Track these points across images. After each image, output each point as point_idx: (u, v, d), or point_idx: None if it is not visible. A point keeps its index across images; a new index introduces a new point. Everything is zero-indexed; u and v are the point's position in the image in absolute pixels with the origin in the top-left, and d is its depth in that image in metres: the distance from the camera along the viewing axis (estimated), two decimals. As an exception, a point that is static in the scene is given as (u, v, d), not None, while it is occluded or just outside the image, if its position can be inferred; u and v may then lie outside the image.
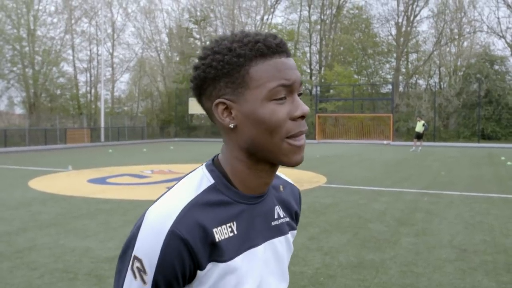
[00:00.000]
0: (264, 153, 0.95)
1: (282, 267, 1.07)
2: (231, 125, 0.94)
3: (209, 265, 0.92)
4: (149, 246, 0.87)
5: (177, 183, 0.98)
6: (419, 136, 24.71)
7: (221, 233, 0.93)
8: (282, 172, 1.19)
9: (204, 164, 1.01)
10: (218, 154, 1.03)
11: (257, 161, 0.97)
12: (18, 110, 40.46)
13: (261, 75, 0.92)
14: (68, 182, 12.40)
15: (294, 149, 0.94)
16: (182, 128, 41.51)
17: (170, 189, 0.97)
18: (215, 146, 28.55)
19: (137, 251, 0.88)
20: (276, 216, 1.06)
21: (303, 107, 0.94)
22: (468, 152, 24.54)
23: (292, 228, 1.13)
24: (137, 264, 0.88)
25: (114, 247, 5.97)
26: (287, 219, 1.10)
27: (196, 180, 0.97)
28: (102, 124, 34.54)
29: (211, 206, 0.94)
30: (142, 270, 0.88)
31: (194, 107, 39.19)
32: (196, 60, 0.97)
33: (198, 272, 0.91)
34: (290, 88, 0.93)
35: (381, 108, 39.79)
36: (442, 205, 8.94)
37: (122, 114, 42.43)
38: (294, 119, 0.93)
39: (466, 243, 6.22)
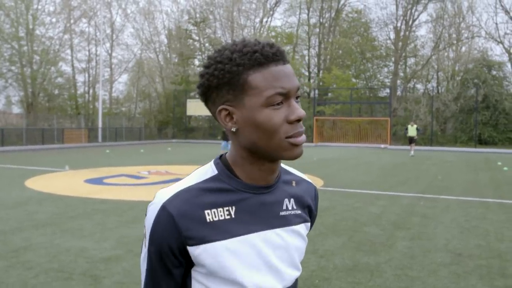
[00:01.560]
0: (265, 152, 1.04)
1: (292, 255, 1.14)
2: (233, 129, 1.04)
3: (206, 245, 1.02)
4: (149, 219, 1.05)
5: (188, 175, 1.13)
6: (412, 140, 24.46)
7: (214, 215, 1.04)
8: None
9: (213, 159, 1.14)
10: (226, 152, 1.14)
11: (258, 158, 1.07)
12: (16, 110, 40.44)
13: (258, 83, 1.00)
14: (65, 182, 12.39)
15: (294, 146, 1.03)
16: (179, 129, 41.50)
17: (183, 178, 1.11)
18: (212, 148, 28.54)
19: (145, 221, 1.08)
20: (284, 207, 1.13)
21: (298, 112, 1.02)
22: (465, 157, 24.59)
23: (305, 221, 1.19)
24: (144, 231, 1.08)
25: (110, 247, 5.98)
26: (299, 211, 1.17)
27: (202, 171, 1.10)
28: (100, 125, 34.52)
29: (208, 191, 1.06)
30: (145, 237, 1.07)
31: (192, 109, 39.23)
32: (201, 68, 1.06)
33: (189, 248, 1.03)
34: (286, 95, 1.02)
35: (378, 112, 39.87)
36: (438, 210, 8.96)
37: (120, 115, 42.41)
38: (290, 122, 1.02)
39: (461, 247, 6.24)
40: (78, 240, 6.34)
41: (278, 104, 1.00)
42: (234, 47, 1.02)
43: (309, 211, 1.21)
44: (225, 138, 19.69)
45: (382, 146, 32.82)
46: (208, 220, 1.03)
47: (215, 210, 1.04)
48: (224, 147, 19.62)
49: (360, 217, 8.17)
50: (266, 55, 1.00)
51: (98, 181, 12.58)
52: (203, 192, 1.05)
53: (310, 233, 6.89)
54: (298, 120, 1.02)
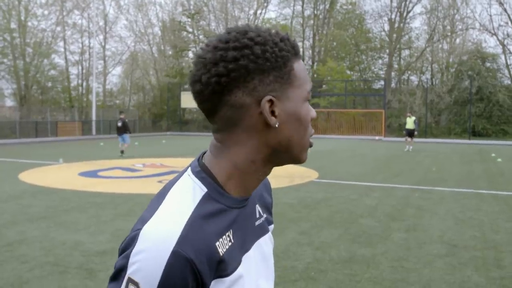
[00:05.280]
0: (294, 150, 0.93)
1: (269, 266, 1.04)
2: (277, 125, 0.88)
3: (213, 283, 0.85)
4: (148, 269, 0.78)
5: (164, 195, 0.89)
6: (411, 134, 22.40)
7: (223, 245, 0.86)
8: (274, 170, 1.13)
9: (189, 170, 0.92)
10: (201, 157, 0.95)
11: (272, 162, 0.94)
12: (9, 102, 40.18)
13: (301, 74, 0.91)
14: (59, 175, 12.32)
15: (309, 147, 0.96)
16: (174, 122, 41.40)
17: (160, 203, 0.87)
18: (207, 140, 28.50)
19: (134, 274, 0.79)
20: (258, 216, 1.02)
21: (313, 111, 0.97)
22: (459, 148, 24.68)
23: (270, 223, 1.09)
24: (132, 287, 0.79)
25: (105, 240, 5.95)
26: (265, 215, 1.06)
27: (188, 191, 0.88)
28: (94, 117, 34.37)
29: (210, 218, 0.86)
30: None
31: (186, 101, 39.09)
32: (229, 51, 0.86)
33: None
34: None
35: (373, 104, 39.93)
36: (433, 201, 8.99)
37: (114, 108, 42.22)
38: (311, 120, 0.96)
39: (456, 238, 6.26)
40: (73, 233, 6.31)
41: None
42: (270, 32, 0.90)
43: (271, 207, 1.11)
44: (123, 131, 17.73)
45: (377, 138, 32.88)
46: (221, 254, 0.85)
47: (222, 239, 0.86)
48: (124, 141, 17.75)
49: (356, 209, 8.18)
50: (298, 46, 0.92)
51: (92, 174, 12.52)
52: (206, 220, 0.85)
53: (306, 225, 6.90)
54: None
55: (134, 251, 0.80)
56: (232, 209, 0.91)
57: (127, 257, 0.80)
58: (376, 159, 17.74)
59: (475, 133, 33.94)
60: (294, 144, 0.92)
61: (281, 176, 11.67)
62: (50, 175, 12.35)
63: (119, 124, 18.00)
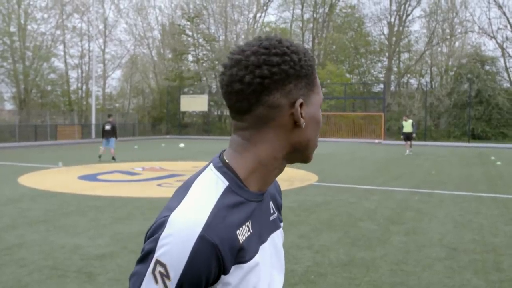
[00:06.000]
0: (307, 150, 1.03)
1: (281, 259, 1.11)
2: (304, 125, 0.99)
3: (233, 268, 0.91)
4: (176, 252, 0.85)
5: (188, 186, 0.96)
6: (408, 137, 22.00)
7: (243, 234, 0.94)
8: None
9: (211, 165, 1.00)
10: (222, 154, 1.03)
11: (287, 159, 1.03)
12: (8, 106, 40.15)
13: (318, 83, 1.04)
14: (58, 178, 12.31)
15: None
16: (173, 125, 41.40)
17: (186, 193, 0.94)
18: (206, 143, 28.49)
19: (161, 256, 0.86)
20: (271, 211, 1.10)
21: None
22: (458, 151, 24.69)
23: (281, 220, 1.17)
24: (160, 269, 0.86)
25: (104, 244, 5.94)
26: (277, 212, 1.14)
27: (212, 184, 0.96)
28: (93, 121, 34.37)
29: (232, 208, 0.94)
30: (165, 275, 0.86)
31: (186, 105, 39.12)
32: (274, 55, 0.95)
33: (222, 276, 0.91)
34: None
35: (372, 107, 39.95)
36: (433, 204, 8.99)
37: (113, 111, 42.21)
38: None
39: (455, 242, 6.26)
40: (72, 237, 6.30)
41: None
42: (293, 43, 1.01)
43: (280, 207, 1.19)
44: (111, 135, 17.13)
45: (376, 141, 32.88)
46: (241, 241, 0.92)
47: (241, 228, 0.94)
48: (109, 146, 17.06)
49: (355, 212, 8.18)
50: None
51: (91, 177, 12.52)
52: (228, 210, 0.93)
53: (305, 228, 6.89)
54: None
55: (162, 235, 0.87)
56: (250, 202, 0.99)
57: (156, 241, 0.87)
58: (375, 162, 17.74)
59: (474, 136, 33.95)
60: (310, 144, 1.03)
61: (281, 179, 11.60)
62: (50, 178, 12.35)
63: (108, 127, 17.34)
